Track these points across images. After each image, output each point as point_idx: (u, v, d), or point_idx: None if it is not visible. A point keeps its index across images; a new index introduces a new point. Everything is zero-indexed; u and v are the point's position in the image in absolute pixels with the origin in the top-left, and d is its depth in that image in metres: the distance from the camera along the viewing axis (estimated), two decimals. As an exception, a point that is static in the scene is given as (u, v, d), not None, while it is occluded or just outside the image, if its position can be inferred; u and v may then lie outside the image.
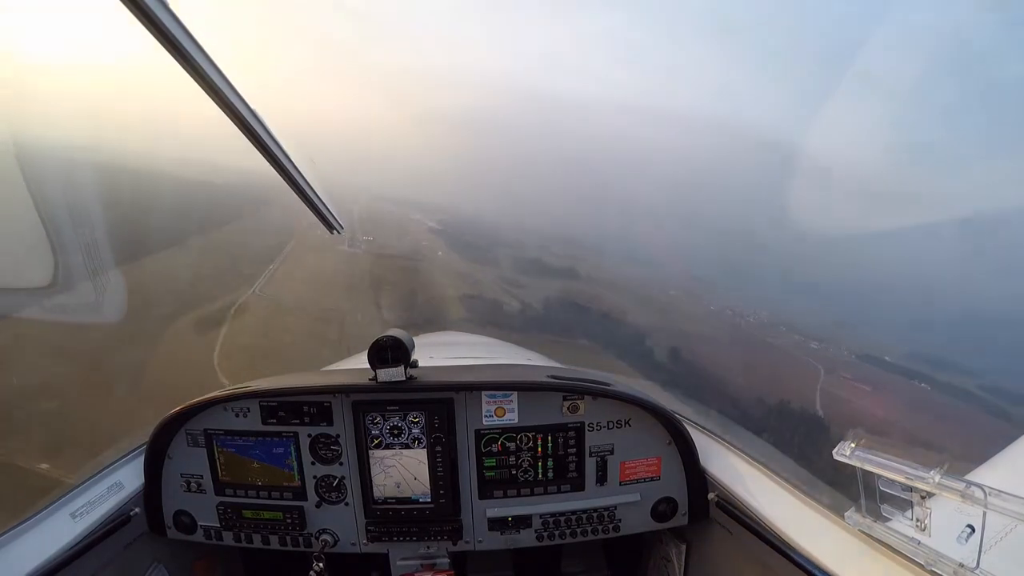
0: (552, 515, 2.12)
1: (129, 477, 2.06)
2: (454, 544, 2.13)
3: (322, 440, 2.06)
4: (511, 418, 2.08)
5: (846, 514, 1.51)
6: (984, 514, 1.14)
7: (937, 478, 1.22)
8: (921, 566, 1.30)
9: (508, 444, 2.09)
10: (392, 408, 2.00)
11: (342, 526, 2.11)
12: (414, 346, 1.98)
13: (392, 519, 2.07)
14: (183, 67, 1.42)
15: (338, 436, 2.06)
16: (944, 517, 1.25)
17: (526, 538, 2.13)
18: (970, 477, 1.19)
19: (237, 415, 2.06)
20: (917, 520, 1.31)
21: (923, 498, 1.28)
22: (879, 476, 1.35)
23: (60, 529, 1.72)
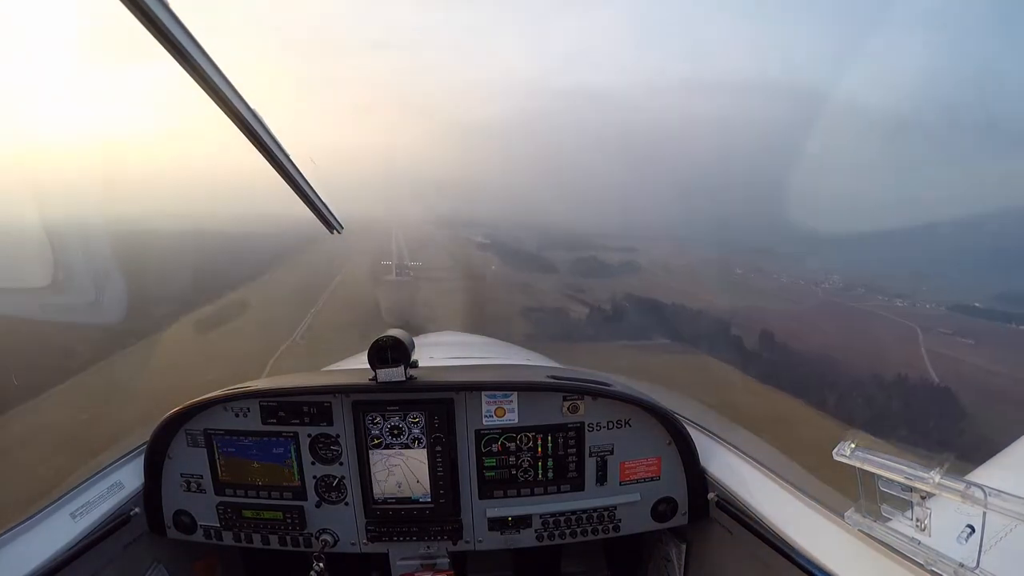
0: (552, 515, 2.11)
1: (129, 477, 2.06)
2: (454, 544, 2.13)
3: (322, 440, 2.06)
4: (511, 418, 2.08)
5: (846, 514, 1.50)
6: (984, 514, 1.14)
7: (937, 478, 1.21)
8: (921, 566, 1.30)
9: (508, 444, 2.09)
10: (392, 408, 2.00)
11: (342, 526, 2.11)
12: (414, 346, 1.98)
13: (392, 519, 2.07)
14: (182, 66, 1.41)
15: (338, 436, 2.06)
16: (944, 517, 1.25)
17: (526, 538, 2.12)
18: (970, 477, 1.19)
19: (237, 415, 2.06)
20: (917, 520, 1.30)
21: (923, 498, 1.28)
22: (879, 476, 1.35)
23: (60, 529, 1.72)
